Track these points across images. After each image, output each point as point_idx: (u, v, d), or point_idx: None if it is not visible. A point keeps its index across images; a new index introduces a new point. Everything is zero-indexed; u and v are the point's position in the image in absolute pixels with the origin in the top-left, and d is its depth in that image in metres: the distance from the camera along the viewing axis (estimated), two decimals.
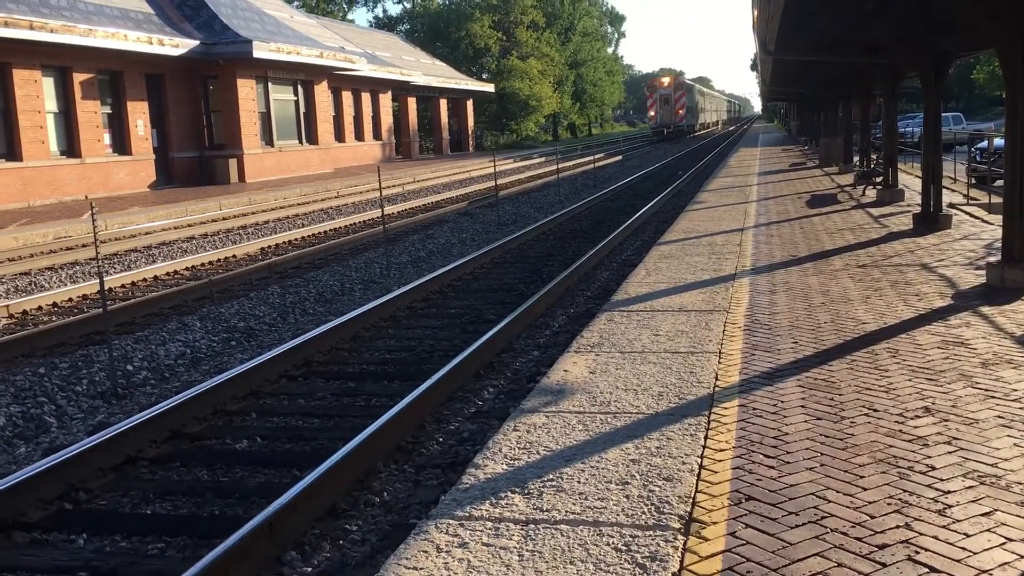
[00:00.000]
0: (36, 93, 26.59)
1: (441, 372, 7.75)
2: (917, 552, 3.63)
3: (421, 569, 3.67)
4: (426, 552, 3.82)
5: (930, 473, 4.42)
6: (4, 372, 8.91)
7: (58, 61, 27.20)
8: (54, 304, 12.38)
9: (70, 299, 12.66)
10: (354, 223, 21.11)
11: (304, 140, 39.62)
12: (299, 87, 39.00)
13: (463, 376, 8.13)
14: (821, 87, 28.98)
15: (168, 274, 14.74)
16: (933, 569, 3.49)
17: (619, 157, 45.18)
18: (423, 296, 12.02)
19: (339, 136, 43.49)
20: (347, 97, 43.91)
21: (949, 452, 4.69)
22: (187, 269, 15.21)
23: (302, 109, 39.37)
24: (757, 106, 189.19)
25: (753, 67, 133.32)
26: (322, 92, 40.61)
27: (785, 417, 5.35)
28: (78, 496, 5.83)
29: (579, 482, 4.49)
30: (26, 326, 11.12)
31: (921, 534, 3.78)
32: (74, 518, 5.55)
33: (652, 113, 76.78)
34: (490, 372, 8.58)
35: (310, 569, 4.87)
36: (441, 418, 7.26)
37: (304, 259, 15.69)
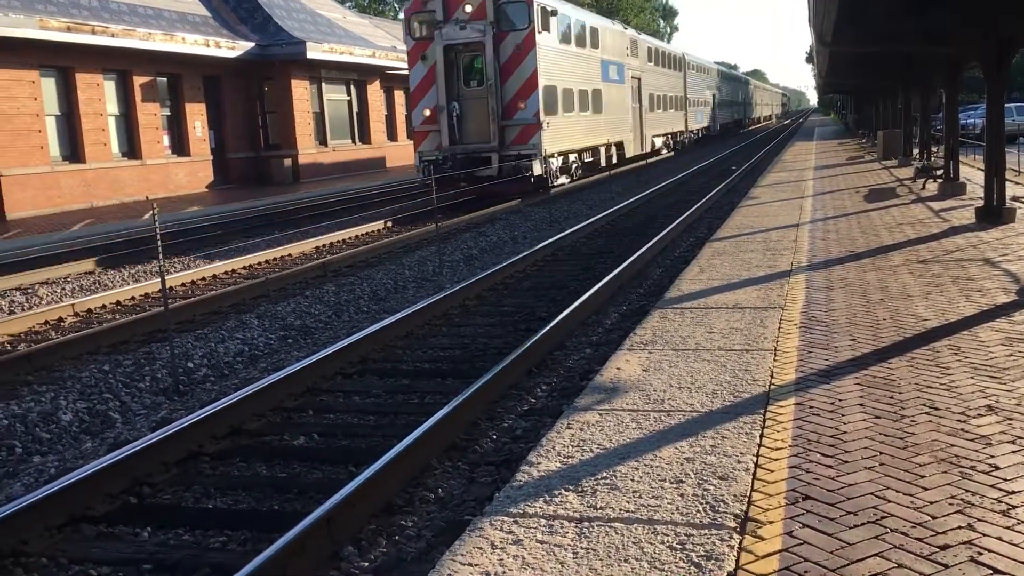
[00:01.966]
0: (98, 96, 27.27)
1: (494, 370, 7.79)
2: (980, 553, 3.56)
3: (476, 565, 3.70)
4: (481, 548, 3.86)
5: (993, 473, 4.33)
6: (71, 369, 9.17)
7: (119, 65, 27.86)
8: (117, 303, 12.70)
9: (133, 297, 12.97)
10: (407, 221, 21.27)
11: (357, 139, 40.04)
12: (352, 87, 39.42)
13: (516, 374, 8.15)
14: (879, 78, 28.41)
15: (226, 273, 15.01)
16: (996, 571, 3.42)
17: (672, 152, 44.95)
18: (476, 294, 12.07)
19: (391, 135, 43.85)
20: (399, 96, 44.24)
21: (1013, 451, 4.59)
22: (244, 268, 15.47)
23: (355, 108, 39.79)
24: (813, 99, 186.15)
25: (808, 59, 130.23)
26: (375, 91, 40.98)
27: (843, 415, 5.28)
28: (142, 490, 5.98)
29: (633, 480, 4.48)
30: (91, 324, 11.42)
31: (984, 535, 3.71)
32: (138, 512, 5.70)
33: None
34: (543, 370, 8.59)
35: (367, 564, 4.93)
36: (494, 415, 7.29)
37: (358, 257, 15.84)
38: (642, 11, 78.69)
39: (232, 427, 7.06)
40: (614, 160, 32.39)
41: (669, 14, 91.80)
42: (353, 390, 8.18)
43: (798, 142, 48.95)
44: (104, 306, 12.47)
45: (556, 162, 25.53)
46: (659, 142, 42.11)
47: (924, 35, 14.00)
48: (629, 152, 35.01)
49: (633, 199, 23.70)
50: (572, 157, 27.44)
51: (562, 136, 26.00)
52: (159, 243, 9.04)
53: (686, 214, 19.64)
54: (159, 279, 9.83)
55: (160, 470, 6.23)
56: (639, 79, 37.88)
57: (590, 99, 29.77)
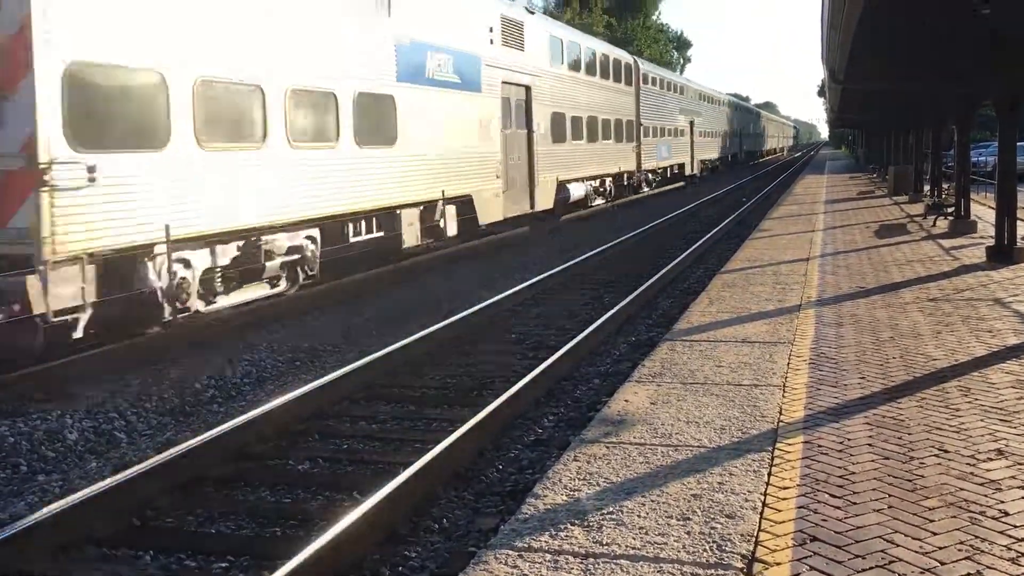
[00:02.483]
0: None
1: (501, 398, 7.77)
2: None
3: None
4: None
5: (1003, 519, 4.29)
6: (78, 388, 9.17)
7: None
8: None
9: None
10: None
11: None
12: None
13: (523, 403, 8.13)
14: (890, 114, 28.48)
15: None
16: None
17: (682, 183, 44.87)
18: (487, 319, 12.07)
19: None
20: None
21: (1023, 497, 4.55)
22: None
23: None
24: (824, 132, 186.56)
25: (820, 93, 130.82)
26: None
27: (852, 455, 5.24)
28: (146, 513, 5.97)
29: (639, 516, 4.45)
30: (103, 343, 11.41)
31: None
32: (142, 535, 5.69)
33: None
34: (550, 399, 8.57)
35: None
36: (501, 445, 7.27)
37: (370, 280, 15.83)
38: (656, 42, 79.06)
39: (237, 450, 7.04)
40: None
41: (683, 45, 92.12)
42: (360, 415, 8.17)
43: (809, 175, 49.03)
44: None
45: None
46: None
47: (937, 74, 14.03)
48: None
49: (644, 228, 23.71)
50: None
51: None
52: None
53: (696, 245, 19.64)
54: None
55: (164, 493, 6.22)
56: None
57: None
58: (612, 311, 11.97)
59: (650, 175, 37.84)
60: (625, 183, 33.70)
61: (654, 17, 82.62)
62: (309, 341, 11.38)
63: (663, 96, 40.61)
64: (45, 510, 5.50)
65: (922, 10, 8.52)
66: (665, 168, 41.17)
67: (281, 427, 7.62)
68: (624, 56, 34.93)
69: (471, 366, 9.89)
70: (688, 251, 18.60)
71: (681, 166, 44.67)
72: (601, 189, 30.21)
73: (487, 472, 6.72)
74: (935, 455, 5.22)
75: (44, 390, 8.98)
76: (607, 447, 5.62)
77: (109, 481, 5.99)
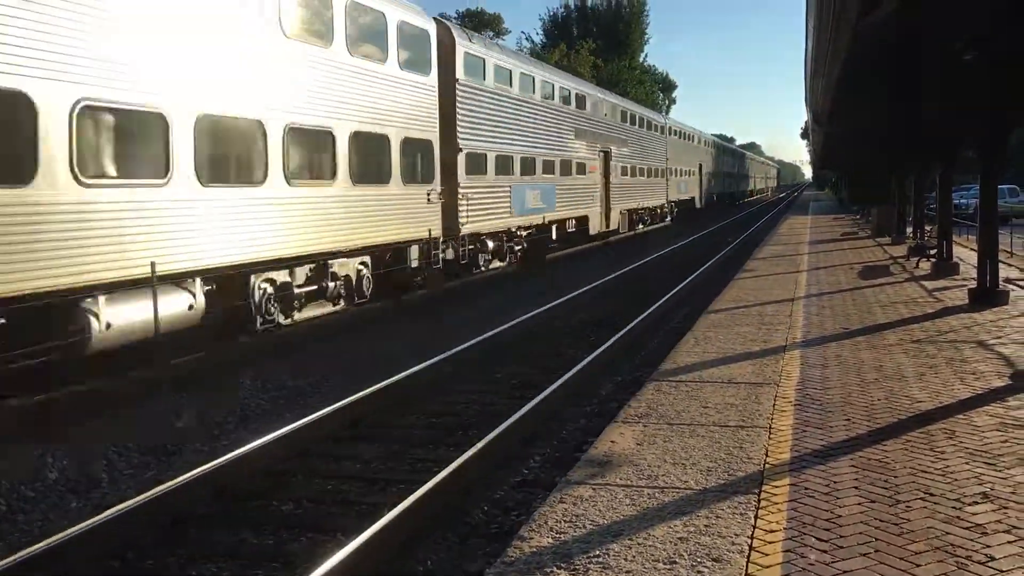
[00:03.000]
0: None
1: (487, 438, 7.74)
2: None
3: None
4: None
5: (989, 564, 4.29)
6: (59, 426, 9.07)
7: None
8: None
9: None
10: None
11: None
12: None
13: (509, 443, 8.09)
14: (873, 157, 28.83)
15: None
16: None
17: (667, 221, 45.12)
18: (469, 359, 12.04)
19: None
20: None
21: (1009, 542, 4.55)
22: None
23: None
24: (808, 173, 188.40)
25: (804, 135, 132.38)
26: None
27: (838, 499, 5.23)
28: (127, 555, 5.89)
29: (626, 559, 4.43)
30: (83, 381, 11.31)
31: None
32: None
33: None
34: (537, 439, 8.53)
35: None
36: (487, 485, 7.22)
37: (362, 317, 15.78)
38: (641, 83, 79.93)
39: (220, 490, 6.97)
40: None
41: (668, 87, 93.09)
42: (344, 455, 8.11)
43: (793, 216, 49.47)
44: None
45: None
46: None
47: (919, 120, 14.23)
48: None
49: (631, 267, 23.81)
50: None
51: None
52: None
53: (681, 285, 19.72)
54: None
55: (145, 534, 6.13)
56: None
57: None
58: (598, 351, 11.97)
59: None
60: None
61: (640, 59, 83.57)
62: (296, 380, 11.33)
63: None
64: (23, 552, 5.42)
65: (904, 58, 8.67)
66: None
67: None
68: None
69: (461, 404, 9.86)
70: (674, 291, 18.66)
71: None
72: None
73: (473, 513, 6.66)
74: (921, 498, 5.22)
75: (31, 424, 8.88)
76: (593, 488, 5.60)
77: (89, 522, 5.91)
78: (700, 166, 55.73)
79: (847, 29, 7.10)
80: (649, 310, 15.79)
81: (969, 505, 5.09)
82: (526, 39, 79.12)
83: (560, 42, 72.56)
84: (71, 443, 8.47)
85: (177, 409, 9.47)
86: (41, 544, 5.52)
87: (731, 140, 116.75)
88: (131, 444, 8.57)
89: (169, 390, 10.13)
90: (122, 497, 7.03)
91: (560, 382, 10.10)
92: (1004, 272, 14.80)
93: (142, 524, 6.16)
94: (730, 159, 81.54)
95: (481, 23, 64.66)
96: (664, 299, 17.27)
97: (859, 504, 5.14)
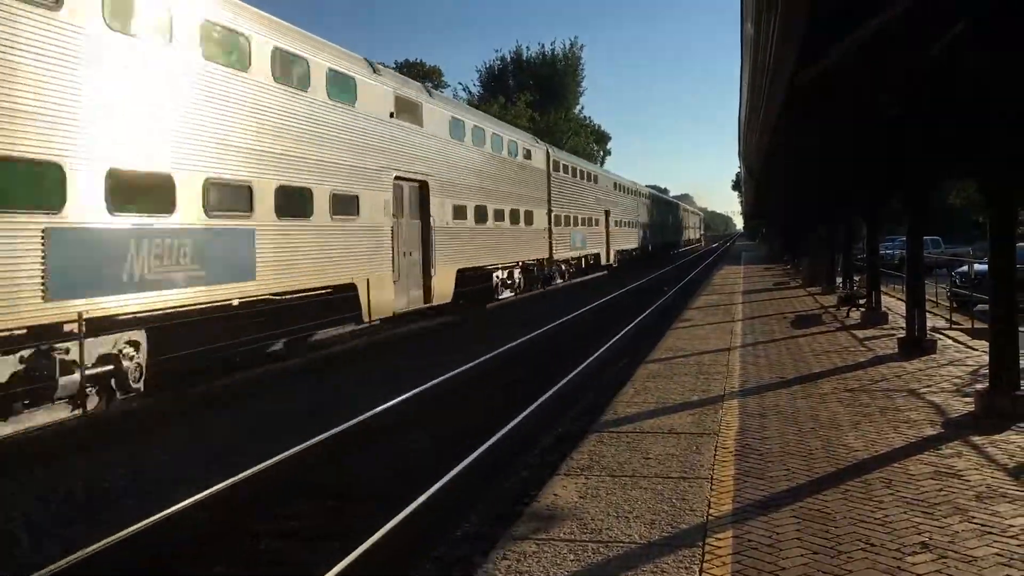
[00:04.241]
0: None
1: (427, 494, 7.59)
2: None
3: None
4: None
5: None
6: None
7: None
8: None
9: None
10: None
11: None
12: None
13: (448, 496, 7.95)
14: (804, 209, 29.60)
15: None
16: None
17: (603, 272, 45.53)
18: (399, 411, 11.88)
19: None
20: None
21: None
22: None
23: None
24: (739, 224, 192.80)
25: (735, 187, 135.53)
26: None
27: (781, 551, 5.24)
28: None
29: None
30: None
31: None
32: None
33: None
34: (477, 494, 8.40)
35: None
36: (428, 541, 7.06)
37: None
38: (576, 134, 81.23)
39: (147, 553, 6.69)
40: None
41: (602, 138, 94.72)
42: (280, 513, 7.87)
43: (726, 266, 50.38)
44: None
45: None
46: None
47: (849, 173, 14.63)
48: None
49: (567, 317, 23.88)
50: None
51: None
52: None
53: (620, 334, 19.83)
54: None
55: None
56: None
57: None
58: (537, 402, 11.92)
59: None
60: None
61: (575, 110, 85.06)
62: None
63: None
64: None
65: (834, 114, 8.94)
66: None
67: None
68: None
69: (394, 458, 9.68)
70: (612, 341, 18.75)
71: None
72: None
73: (411, 574, 6.50)
74: (862, 549, 5.26)
75: None
76: (537, 544, 5.52)
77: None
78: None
79: (781, 85, 7.30)
80: (587, 361, 15.81)
81: (909, 555, 5.14)
82: (463, 90, 79.89)
83: (497, 94, 73.49)
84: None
85: None
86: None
87: (664, 191, 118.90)
88: (53, 500, 8.21)
89: None
90: (44, 559, 6.71)
91: (500, 434, 10.00)
92: (931, 322, 15.20)
93: None
94: (665, 210, 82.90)
95: (421, 74, 65.14)
96: (602, 349, 17.32)
97: (802, 555, 5.15)
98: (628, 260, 54.07)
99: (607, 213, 45.95)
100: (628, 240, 53.96)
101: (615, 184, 50.85)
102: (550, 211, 33.10)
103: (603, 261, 44.66)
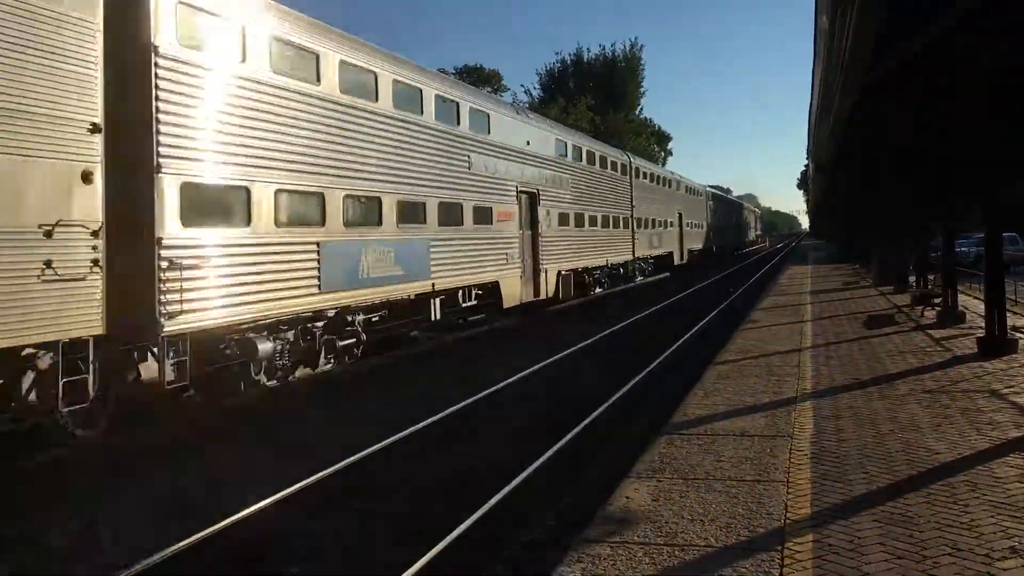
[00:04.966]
0: None
1: (498, 496, 7.60)
2: None
3: None
4: None
5: None
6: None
7: None
8: None
9: None
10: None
11: None
12: None
13: (521, 498, 7.94)
14: (876, 206, 28.91)
15: None
16: None
17: (667, 274, 45.08)
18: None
19: None
20: None
21: None
22: None
23: None
24: (805, 223, 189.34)
25: (800, 185, 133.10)
26: None
27: (864, 555, 5.11)
28: None
29: None
30: None
31: None
32: None
33: None
34: (549, 497, 8.37)
35: None
36: (500, 544, 7.05)
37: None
38: (638, 136, 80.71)
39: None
40: None
41: (663, 139, 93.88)
42: (360, 506, 7.95)
43: (793, 266, 49.54)
44: None
45: None
46: None
47: (926, 172, 14.17)
48: None
49: (632, 319, 23.72)
50: None
51: None
52: None
53: (687, 336, 19.63)
54: None
55: None
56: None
57: None
58: (604, 406, 11.85)
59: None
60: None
61: (636, 112, 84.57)
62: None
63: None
64: None
65: (912, 110, 8.68)
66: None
67: None
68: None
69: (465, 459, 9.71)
70: (679, 342, 18.57)
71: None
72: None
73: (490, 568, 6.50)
74: (949, 554, 5.10)
75: None
76: (611, 547, 5.47)
77: None
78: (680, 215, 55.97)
79: (855, 78, 7.13)
80: (660, 357, 15.67)
81: (998, 560, 4.97)
82: (524, 92, 79.94)
83: (557, 96, 73.39)
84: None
85: None
86: None
87: (727, 191, 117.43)
88: None
89: None
90: None
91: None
92: (1011, 320, 14.72)
93: None
94: (728, 211, 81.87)
95: (480, 79, 65.43)
96: (671, 349, 17.16)
97: (886, 561, 5.02)
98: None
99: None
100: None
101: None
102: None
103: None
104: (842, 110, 9.17)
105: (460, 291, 18.24)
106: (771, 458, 7.47)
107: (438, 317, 17.21)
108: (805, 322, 18.66)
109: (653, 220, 39.97)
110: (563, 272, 24.74)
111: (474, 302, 19.14)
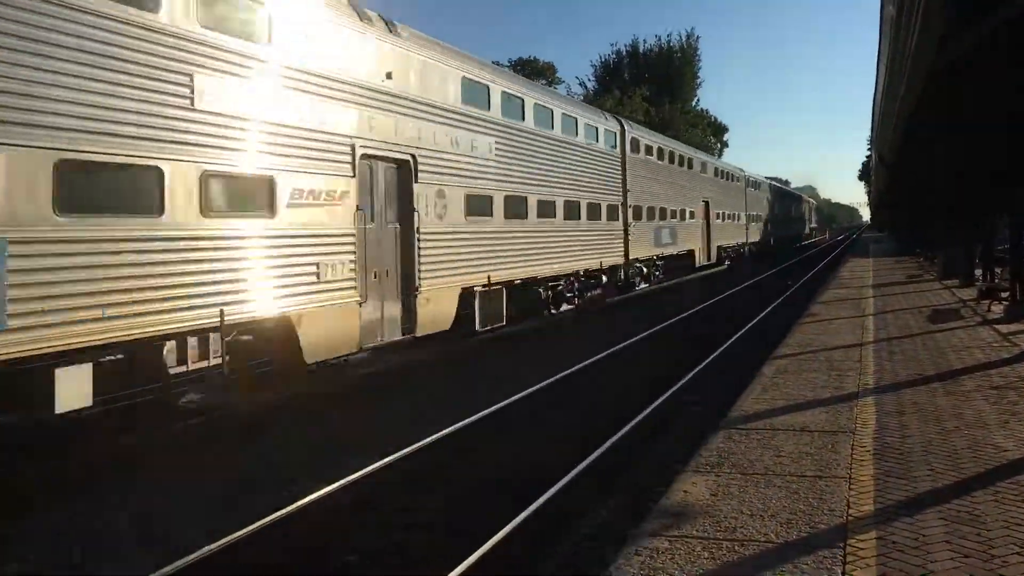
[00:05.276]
0: None
1: (554, 488, 7.60)
2: None
3: None
4: None
5: None
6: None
7: None
8: None
9: None
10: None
11: None
12: None
13: (578, 492, 7.94)
14: (940, 198, 28.24)
15: None
16: None
17: (724, 266, 44.47)
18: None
19: None
20: None
21: None
22: None
23: None
24: (865, 215, 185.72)
25: (861, 176, 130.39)
26: None
27: (929, 553, 5.01)
28: None
29: None
30: None
31: None
32: None
33: None
34: (605, 490, 8.36)
35: None
36: (556, 537, 7.07)
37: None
38: (694, 127, 79.87)
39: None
40: None
41: (719, 130, 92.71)
42: (400, 508, 8.02)
43: (853, 259, 48.62)
44: None
45: None
46: None
47: (997, 161, 13.80)
48: None
49: (688, 312, 23.53)
50: None
51: None
52: None
53: (744, 329, 19.41)
54: None
55: None
56: None
57: None
58: (662, 398, 11.78)
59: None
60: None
61: (693, 103, 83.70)
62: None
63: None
64: None
65: (984, 95, 8.45)
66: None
67: None
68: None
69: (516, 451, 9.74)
70: (736, 336, 18.37)
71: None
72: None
73: (541, 568, 6.51)
74: (1017, 553, 4.98)
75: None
76: (669, 541, 5.45)
77: None
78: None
79: (922, 66, 6.96)
80: (718, 351, 15.52)
81: None
82: (579, 85, 79.63)
83: (612, 87, 72.97)
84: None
85: None
86: None
87: (786, 182, 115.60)
88: None
89: None
90: None
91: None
92: None
93: None
94: (787, 203, 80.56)
95: (534, 71, 65.33)
96: (730, 342, 16.98)
97: (952, 559, 4.92)
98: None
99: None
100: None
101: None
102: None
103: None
104: (907, 102, 8.97)
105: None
106: (832, 454, 7.35)
107: None
108: (867, 316, 18.31)
109: (661, 209, 30.91)
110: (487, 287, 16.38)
111: None
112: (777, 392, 10.27)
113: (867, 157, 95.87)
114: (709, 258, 39.81)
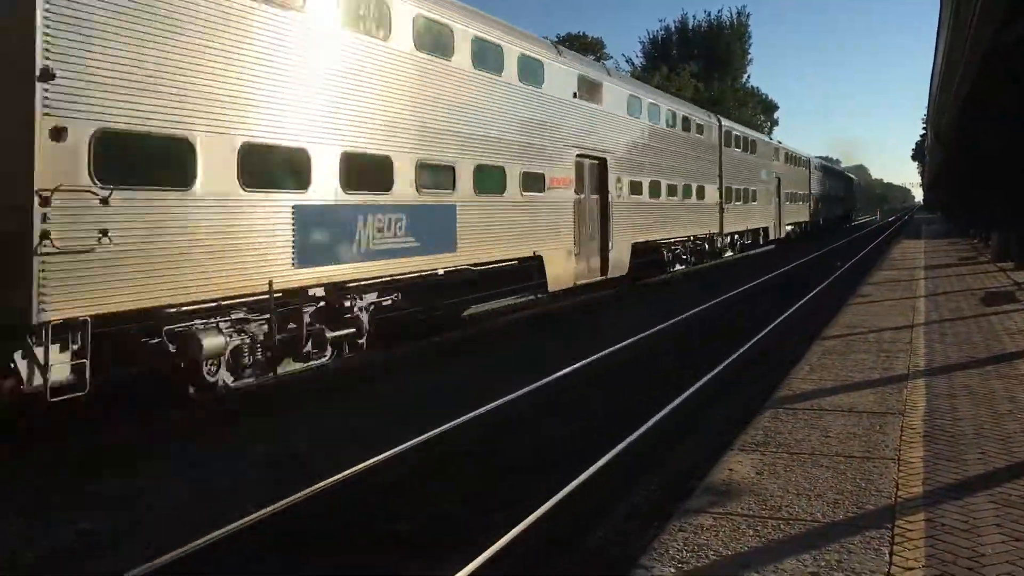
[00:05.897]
0: None
1: (598, 464, 7.63)
2: None
3: None
4: None
5: None
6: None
7: None
8: None
9: None
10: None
11: None
12: None
13: (621, 467, 7.96)
14: (996, 177, 27.55)
15: None
16: None
17: (771, 245, 43.93)
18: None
19: None
20: None
21: None
22: None
23: None
24: (918, 195, 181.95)
25: (915, 156, 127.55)
26: None
27: (980, 536, 4.95)
28: None
29: None
30: None
31: None
32: None
33: None
34: (647, 467, 8.36)
35: None
36: (602, 512, 7.10)
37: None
38: (744, 105, 78.80)
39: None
40: None
41: (769, 108, 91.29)
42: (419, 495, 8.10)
43: (905, 240, 47.75)
44: None
45: None
46: None
47: None
48: None
49: (738, 290, 23.33)
50: None
51: None
52: None
53: (792, 309, 19.19)
54: None
55: None
56: None
57: None
58: (709, 375, 11.72)
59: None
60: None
61: (743, 80, 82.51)
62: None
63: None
64: None
65: None
66: None
67: None
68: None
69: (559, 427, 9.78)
70: (783, 316, 18.17)
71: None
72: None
73: (587, 540, 6.55)
74: None
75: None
76: (714, 518, 5.44)
77: None
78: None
79: (982, 43, 6.79)
80: (764, 331, 15.39)
81: None
82: (627, 61, 78.85)
83: (660, 64, 72.16)
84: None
85: None
86: None
87: (836, 162, 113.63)
88: None
89: None
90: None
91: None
92: None
93: None
94: (837, 183, 79.28)
95: (583, 46, 64.80)
96: (777, 322, 16.82)
97: (1003, 543, 4.86)
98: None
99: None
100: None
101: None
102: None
103: (772, 235, 42.16)
104: (967, 76, 8.76)
105: None
106: (881, 435, 7.27)
107: None
108: (918, 298, 18.00)
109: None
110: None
111: None
112: (825, 372, 10.16)
113: (921, 136, 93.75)
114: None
